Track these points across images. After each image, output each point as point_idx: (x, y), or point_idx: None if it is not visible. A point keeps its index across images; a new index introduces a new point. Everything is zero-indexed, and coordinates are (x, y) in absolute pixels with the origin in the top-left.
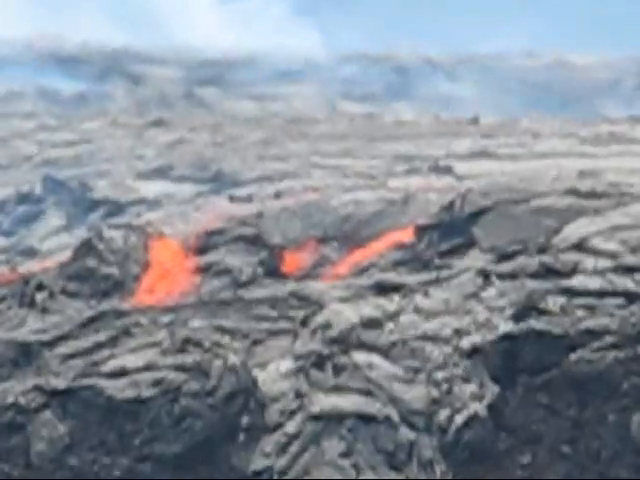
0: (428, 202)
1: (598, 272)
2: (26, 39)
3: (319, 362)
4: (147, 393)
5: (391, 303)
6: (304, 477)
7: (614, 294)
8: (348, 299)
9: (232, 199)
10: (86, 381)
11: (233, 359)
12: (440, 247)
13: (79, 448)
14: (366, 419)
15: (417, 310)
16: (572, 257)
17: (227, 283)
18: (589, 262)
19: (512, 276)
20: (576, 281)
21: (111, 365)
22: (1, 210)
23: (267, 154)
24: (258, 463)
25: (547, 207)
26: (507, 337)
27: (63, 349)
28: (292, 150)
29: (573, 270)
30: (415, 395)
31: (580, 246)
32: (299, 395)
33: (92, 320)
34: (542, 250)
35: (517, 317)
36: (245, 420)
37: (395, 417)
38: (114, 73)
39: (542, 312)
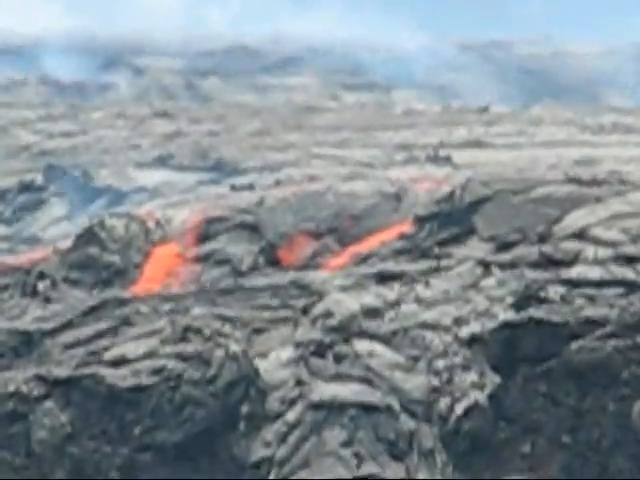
0: (425, 194)
1: (598, 261)
2: (30, 28)
3: (320, 351)
4: (148, 381)
5: (391, 292)
6: (305, 466)
7: (614, 283)
8: (349, 288)
9: (233, 188)
10: (87, 370)
11: (234, 347)
12: (440, 236)
13: (80, 437)
14: (367, 408)
15: (417, 299)
16: (572, 246)
17: (228, 272)
18: (589, 251)
19: (512, 265)
20: (576, 271)
21: (112, 354)
22: (3, 199)
23: (267, 144)
24: (259, 452)
25: (547, 196)
26: (507, 326)
27: (64, 338)
28: (292, 140)
29: (573, 260)
30: (415, 384)
31: (580, 235)
32: (300, 383)
33: (93, 309)
34: (542, 239)
35: (517, 306)
36: (246, 409)
37: (396, 406)
38: (117, 64)
39: (542, 301)
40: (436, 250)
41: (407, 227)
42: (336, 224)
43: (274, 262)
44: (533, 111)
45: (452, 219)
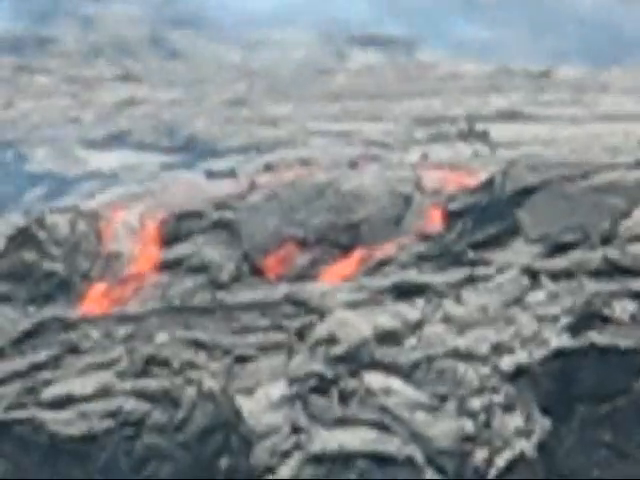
0: (444, 189)
1: None
2: None
3: (321, 387)
4: (100, 428)
5: (413, 310)
6: None
7: None
8: (358, 305)
9: (208, 174)
10: (21, 413)
11: (210, 383)
12: (475, 237)
13: None
14: (382, 461)
15: (446, 319)
16: None
17: (203, 283)
18: None
19: (567, 275)
20: None
21: (54, 392)
22: None
23: (254, 115)
24: None
25: (613, 184)
26: (561, 354)
27: None
28: (286, 111)
29: None
30: (444, 430)
31: None
32: (295, 430)
33: (29, 333)
34: (606, 241)
35: (574, 329)
36: (225, 463)
37: (419, 458)
38: (61, 13)
39: (606, 322)
40: (470, 255)
41: (433, 226)
42: (331, 235)
43: (262, 271)
44: (605, 77)
45: (490, 215)
